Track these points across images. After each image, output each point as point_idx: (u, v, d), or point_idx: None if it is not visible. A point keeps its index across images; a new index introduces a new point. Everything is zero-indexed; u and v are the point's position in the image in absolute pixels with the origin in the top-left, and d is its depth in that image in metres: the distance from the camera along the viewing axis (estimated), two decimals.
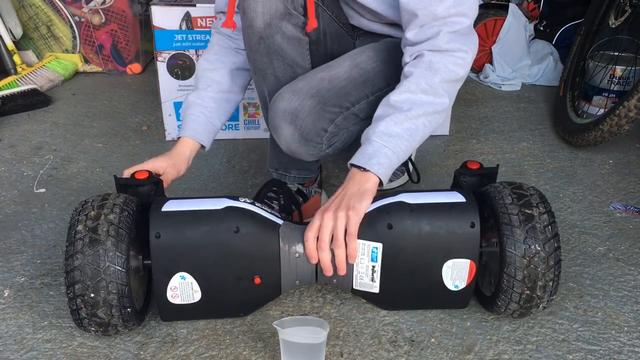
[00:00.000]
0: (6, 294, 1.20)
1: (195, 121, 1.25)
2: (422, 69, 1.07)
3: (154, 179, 1.13)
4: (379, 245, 1.04)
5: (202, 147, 1.27)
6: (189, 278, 1.03)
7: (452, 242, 1.04)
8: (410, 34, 1.09)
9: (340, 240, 1.00)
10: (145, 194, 1.12)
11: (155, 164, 1.19)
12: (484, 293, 1.13)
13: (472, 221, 1.04)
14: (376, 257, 1.04)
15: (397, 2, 1.09)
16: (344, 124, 1.19)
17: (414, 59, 1.09)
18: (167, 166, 1.20)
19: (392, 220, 1.03)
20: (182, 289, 1.05)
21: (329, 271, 1.02)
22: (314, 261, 1.02)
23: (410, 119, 1.05)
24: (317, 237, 1.01)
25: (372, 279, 1.07)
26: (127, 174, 1.16)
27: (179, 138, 1.26)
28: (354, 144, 1.21)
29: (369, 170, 1.03)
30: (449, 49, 1.06)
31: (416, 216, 1.04)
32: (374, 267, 1.05)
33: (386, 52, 1.24)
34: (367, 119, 1.19)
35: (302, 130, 1.14)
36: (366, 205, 1.02)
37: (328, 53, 1.27)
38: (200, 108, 1.26)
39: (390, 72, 1.22)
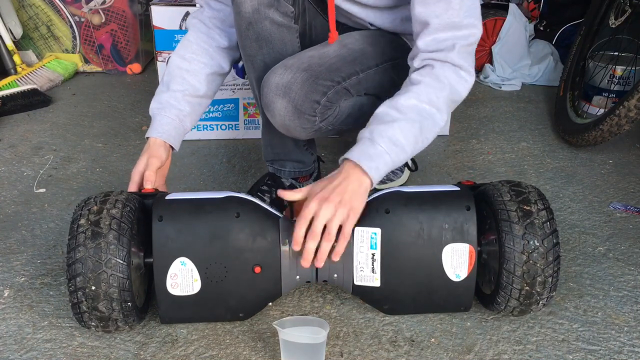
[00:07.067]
0: (6, 294, 1.20)
1: (169, 124, 1.25)
2: (431, 79, 1.07)
3: (161, 193, 1.17)
4: (378, 231, 1.05)
5: (172, 148, 1.28)
6: (189, 264, 1.04)
7: (449, 226, 1.05)
8: (422, 43, 1.08)
9: (332, 235, 0.99)
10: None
11: (163, 172, 1.24)
12: (484, 292, 1.13)
13: (467, 205, 1.06)
14: (375, 244, 1.05)
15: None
16: (336, 98, 1.19)
17: (422, 67, 1.10)
18: (163, 175, 1.25)
19: (389, 206, 1.06)
20: (182, 276, 1.05)
21: (307, 261, 1.00)
22: (298, 247, 1.00)
23: (414, 132, 1.06)
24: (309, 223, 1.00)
25: (373, 269, 1.06)
26: (134, 186, 1.19)
27: (148, 138, 1.25)
28: (346, 121, 1.24)
29: (366, 172, 1.02)
30: (459, 64, 1.07)
31: (412, 202, 1.07)
32: (373, 254, 1.06)
33: (372, 37, 1.27)
34: (357, 96, 1.23)
35: (296, 102, 1.15)
36: (363, 206, 1.03)
37: (313, 45, 1.28)
38: (175, 111, 1.25)
39: (378, 54, 1.25)
